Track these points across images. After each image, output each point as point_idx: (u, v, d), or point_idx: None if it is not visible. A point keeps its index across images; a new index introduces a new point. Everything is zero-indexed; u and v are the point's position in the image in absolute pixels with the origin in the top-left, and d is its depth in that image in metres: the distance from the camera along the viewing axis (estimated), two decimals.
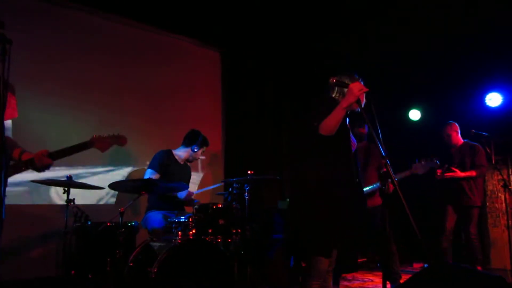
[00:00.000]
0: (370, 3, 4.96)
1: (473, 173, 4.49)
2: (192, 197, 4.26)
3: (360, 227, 2.45)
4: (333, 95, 2.64)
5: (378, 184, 4.17)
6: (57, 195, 4.36)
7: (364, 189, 4.14)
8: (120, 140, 2.70)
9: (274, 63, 6.05)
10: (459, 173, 4.48)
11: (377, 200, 4.30)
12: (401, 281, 4.01)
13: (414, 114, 6.27)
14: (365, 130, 4.47)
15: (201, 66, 5.90)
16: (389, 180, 2.31)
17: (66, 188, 3.58)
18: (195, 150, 4.22)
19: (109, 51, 4.99)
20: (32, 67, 4.27)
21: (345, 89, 2.51)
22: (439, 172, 4.45)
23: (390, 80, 6.08)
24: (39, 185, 4.13)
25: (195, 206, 3.60)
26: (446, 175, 4.43)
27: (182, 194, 4.14)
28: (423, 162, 4.10)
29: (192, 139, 4.27)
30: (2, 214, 1.81)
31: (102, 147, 2.58)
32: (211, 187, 4.86)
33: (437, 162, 4.15)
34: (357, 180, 2.56)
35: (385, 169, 2.34)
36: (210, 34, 5.67)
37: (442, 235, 4.56)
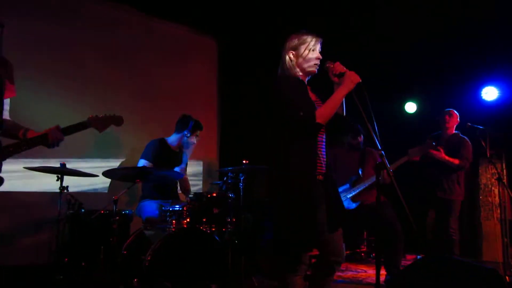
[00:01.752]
0: None
1: (456, 161, 4.42)
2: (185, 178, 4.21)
3: (317, 224, 2.37)
4: (286, 71, 2.48)
5: (374, 178, 4.18)
6: (50, 183, 4.33)
7: (363, 185, 4.25)
8: (117, 120, 2.69)
9: (270, 50, 5.99)
10: (443, 155, 4.41)
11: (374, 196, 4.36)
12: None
13: (410, 107, 6.28)
14: (360, 139, 4.52)
15: (197, 54, 5.85)
16: (385, 171, 2.30)
17: (59, 176, 3.56)
18: (187, 135, 4.14)
19: (105, 38, 4.93)
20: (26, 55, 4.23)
21: (293, 60, 2.46)
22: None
23: (386, 72, 6.07)
24: (33, 172, 4.11)
25: (190, 195, 3.59)
26: (431, 151, 4.37)
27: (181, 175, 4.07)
28: (418, 147, 4.11)
29: (183, 124, 4.19)
30: None
31: (99, 127, 2.59)
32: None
33: (433, 143, 4.18)
34: (323, 170, 2.44)
35: (380, 160, 2.33)
36: (206, 22, 5.63)
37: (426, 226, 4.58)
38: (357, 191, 4.27)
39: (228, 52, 5.97)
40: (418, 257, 5.55)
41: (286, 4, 5.29)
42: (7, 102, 2.39)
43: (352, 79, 2.35)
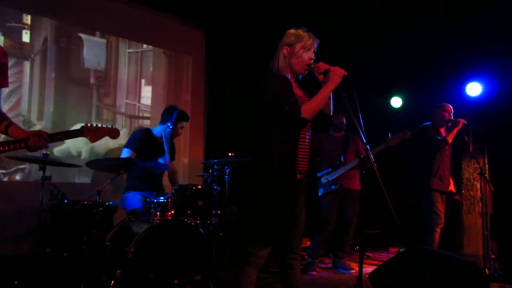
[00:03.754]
0: None
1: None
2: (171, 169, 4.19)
3: (294, 219, 2.38)
4: (278, 66, 2.48)
5: (353, 163, 4.54)
6: (32, 172, 4.27)
7: (344, 168, 4.56)
8: (112, 133, 2.60)
9: (258, 43, 5.98)
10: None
11: (356, 184, 4.72)
12: (373, 263, 4.13)
13: (396, 102, 6.33)
14: (343, 120, 4.78)
15: (185, 45, 5.82)
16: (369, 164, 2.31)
17: (42, 166, 3.50)
18: (170, 127, 4.09)
19: (92, 27, 4.88)
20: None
21: (287, 56, 2.46)
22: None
23: (372, 67, 6.09)
24: (14, 161, 4.05)
25: (175, 187, 3.56)
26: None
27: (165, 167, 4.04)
28: (395, 135, 4.36)
29: (167, 115, 4.14)
30: None
31: (91, 137, 2.49)
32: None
33: (409, 133, 4.37)
34: (306, 167, 2.44)
35: (364, 154, 2.36)
36: (194, 13, 5.57)
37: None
38: (338, 174, 4.58)
39: (216, 44, 5.93)
40: (401, 250, 5.63)
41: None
42: (0, 92, 2.31)
43: (337, 73, 2.35)
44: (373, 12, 5.36)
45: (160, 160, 3.94)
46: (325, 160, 4.70)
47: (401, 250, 5.64)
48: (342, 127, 4.79)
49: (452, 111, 4.69)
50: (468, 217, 5.68)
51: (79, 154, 4.73)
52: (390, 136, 4.37)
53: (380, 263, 4.07)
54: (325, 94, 2.37)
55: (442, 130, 4.69)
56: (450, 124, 4.66)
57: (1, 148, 2.15)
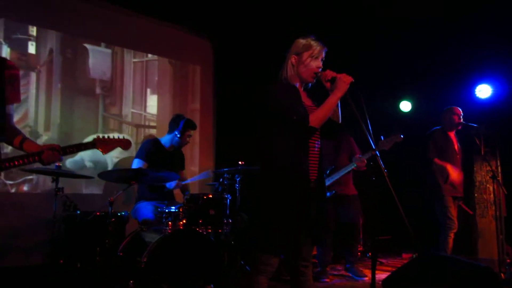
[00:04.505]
0: None
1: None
2: (181, 185, 4.21)
3: (308, 227, 2.37)
4: (286, 75, 2.49)
5: (350, 166, 4.33)
6: (46, 184, 4.32)
7: (339, 174, 4.38)
8: (124, 144, 2.62)
9: (265, 52, 6.01)
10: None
11: (351, 189, 4.56)
12: (386, 270, 4.09)
13: (405, 106, 6.29)
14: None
15: (193, 55, 5.87)
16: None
17: (55, 177, 3.54)
18: (178, 135, 4.12)
19: (100, 38, 4.95)
20: None
21: (295, 65, 2.46)
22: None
23: (380, 71, 6.08)
24: (22, 172, 4.11)
25: (186, 197, 3.57)
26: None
27: (171, 185, 4.09)
28: (387, 138, 4.16)
29: (175, 124, 4.16)
30: None
31: (104, 149, 2.51)
32: (198, 177, 4.80)
33: (401, 136, 4.17)
34: (315, 176, 2.45)
35: (360, 157, 2.35)
36: (201, 23, 5.62)
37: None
38: (332, 180, 4.39)
39: (223, 53, 5.96)
40: (414, 255, 5.57)
41: (280, 5, 5.29)
42: (11, 108, 2.34)
43: (344, 80, 2.36)
44: (381, 15, 5.34)
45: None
46: None
47: (414, 255, 5.58)
48: None
49: (462, 114, 4.66)
50: (482, 221, 5.61)
51: (87, 165, 4.77)
52: (382, 139, 4.18)
53: (394, 269, 4.05)
54: (333, 101, 2.37)
55: (452, 134, 4.66)
56: (460, 127, 4.63)
57: (17, 162, 2.18)
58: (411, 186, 4.98)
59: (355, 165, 4.28)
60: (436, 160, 4.50)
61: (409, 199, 4.59)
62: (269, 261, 2.35)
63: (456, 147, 4.64)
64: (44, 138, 4.49)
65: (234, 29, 5.76)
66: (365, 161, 4.24)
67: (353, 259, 4.63)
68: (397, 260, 5.70)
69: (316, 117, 2.34)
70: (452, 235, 4.41)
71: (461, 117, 4.64)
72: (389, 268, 5.05)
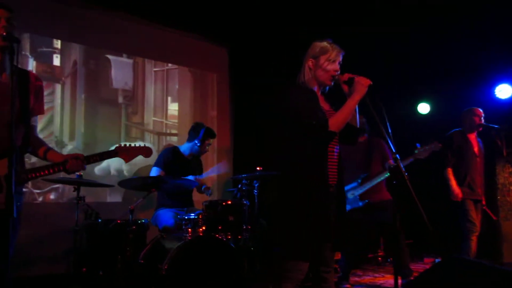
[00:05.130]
0: None
1: None
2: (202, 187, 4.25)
3: (328, 232, 2.35)
4: (304, 79, 2.49)
5: (384, 175, 4.16)
6: (71, 192, 4.39)
7: (372, 182, 4.19)
8: (145, 152, 2.65)
9: (281, 57, 6.03)
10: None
11: (385, 194, 4.30)
12: (412, 277, 4.00)
13: (423, 108, 6.21)
14: (363, 120, 4.30)
15: (210, 62, 5.92)
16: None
17: (76, 186, 3.60)
18: (198, 144, 4.16)
19: (121, 49, 5.05)
20: None
21: (312, 69, 2.46)
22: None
23: (398, 73, 6.02)
24: (51, 185, 4.20)
25: (205, 203, 3.59)
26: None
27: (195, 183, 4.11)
28: (425, 147, 4.06)
29: (195, 133, 4.22)
30: (13, 213, 1.81)
31: (125, 157, 2.55)
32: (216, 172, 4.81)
33: (440, 144, 4.09)
34: (335, 181, 2.44)
35: (395, 164, 2.33)
36: (217, 30, 5.67)
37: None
38: (366, 188, 4.23)
39: (239, 60, 6.00)
40: (437, 260, 5.48)
41: (297, 11, 5.30)
42: (35, 119, 2.39)
43: (362, 83, 2.34)
44: (398, 16, 5.30)
45: (190, 177, 4.01)
46: (349, 171, 4.11)
47: (436, 260, 5.49)
48: (363, 128, 4.34)
49: (483, 115, 4.58)
50: (506, 224, 5.49)
51: (110, 173, 4.84)
52: (418, 146, 4.09)
53: (416, 274, 3.99)
54: (352, 105, 2.36)
55: (473, 136, 4.57)
56: (481, 129, 4.55)
57: (42, 173, 2.23)
58: (432, 190, 4.91)
59: (389, 174, 4.08)
60: (448, 170, 4.46)
61: (430, 202, 4.52)
62: (298, 267, 2.34)
63: (476, 149, 4.55)
64: (69, 148, 4.59)
65: (249, 36, 5.78)
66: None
67: (407, 271, 4.07)
68: (419, 265, 5.61)
69: (336, 121, 2.33)
70: (474, 238, 4.32)
71: (482, 118, 4.55)
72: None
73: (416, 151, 4.08)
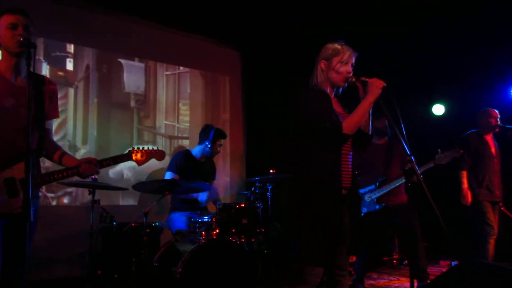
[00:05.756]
0: None
1: None
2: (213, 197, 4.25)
3: (341, 236, 2.33)
4: (316, 81, 2.48)
5: (402, 179, 4.08)
6: (84, 196, 4.43)
7: (390, 186, 4.13)
8: (158, 155, 2.67)
9: (293, 60, 6.02)
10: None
11: (403, 197, 4.22)
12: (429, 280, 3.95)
13: (438, 109, 6.14)
14: (385, 122, 4.31)
15: (222, 65, 5.94)
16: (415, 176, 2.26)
17: (91, 190, 3.64)
18: (209, 146, 4.17)
19: (133, 53, 5.09)
20: None
21: (325, 71, 2.44)
22: None
23: (412, 74, 5.97)
24: (64, 189, 4.25)
25: (218, 206, 3.60)
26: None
27: (203, 197, 4.12)
28: (446, 152, 4.02)
29: (205, 135, 4.23)
30: (30, 217, 1.83)
31: (138, 161, 2.57)
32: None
33: (461, 150, 4.06)
34: (349, 184, 2.42)
35: (410, 165, 2.30)
36: (229, 33, 5.68)
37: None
38: (383, 192, 4.16)
39: (252, 62, 6.01)
40: (453, 263, 5.41)
41: (309, 12, 5.30)
42: (50, 123, 2.41)
43: (376, 84, 2.32)
44: (412, 17, 5.25)
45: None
46: (368, 173, 4.22)
47: (453, 263, 5.41)
48: (385, 131, 4.31)
49: (499, 116, 4.51)
50: None
51: (124, 176, 4.87)
52: (439, 152, 4.03)
53: (432, 277, 3.94)
54: (365, 107, 2.34)
55: (489, 137, 4.51)
56: (497, 130, 4.49)
57: (56, 176, 2.25)
58: (448, 192, 4.85)
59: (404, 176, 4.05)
60: (463, 173, 4.42)
61: (447, 204, 4.47)
62: (312, 271, 2.33)
63: (493, 150, 4.50)
64: (82, 151, 4.63)
65: (261, 38, 5.79)
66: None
67: (424, 274, 3.96)
68: (435, 268, 5.54)
69: (349, 124, 2.31)
70: (492, 241, 4.25)
71: (498, 119, 4.50)
72: None
73: (436, 156, 4.03)
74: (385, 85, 2.33)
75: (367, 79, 2.38)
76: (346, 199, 2.40)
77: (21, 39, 2.09)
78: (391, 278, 4.91)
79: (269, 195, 4.17)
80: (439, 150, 4.05)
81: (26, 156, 1.87)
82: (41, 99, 2.28)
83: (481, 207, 4.31)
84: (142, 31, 5.16)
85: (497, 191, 4.39)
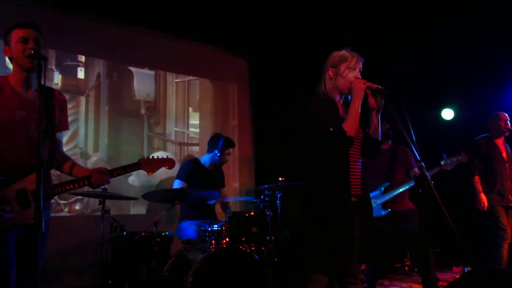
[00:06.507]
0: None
1: None
2: (222, 200, 4.24)
3: (351, 243, 2.32)
4: (324, 89, 2.50)
5: (408, 184, 4.06)
6: (95, 203, 4.46)
7: (395, 191, 4.08)
8: (168, 163, 2.67)
9: (302, 67, 6.04)
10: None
11: (408, 203, 4.17)
12: (439, 284, 3.90)
13: (447, 114, 6.09)
14: (388, 126, 4.24)
15: (230, 73, 5.97)
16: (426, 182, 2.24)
17: (101, 200, 3.65)
18: (218, 154, 4.18)
19: (143, 63, 5.13)
20: None
21: (333, 78, 2.46)
22: None
23: (421, 77, 5.93)
24: (76, 196, 4.27)
25: (228, 215, 3.60)
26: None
27: (212, 200, 4.11)
28: (452, 158, 3.97)
29: (214, 143, 4.24)
30: (42, 228, 1.85)
31: (148, 169, 2.57)
32: (241, 198, 4.85)
33: (467, 156, 4.00)
34: (359, 191, 2.42)
35: (418, 172, 2.30)
36: (236, 42, 5.72)
37: None
38: (388, 197, 4.11)
39: (259, 70, 6.03)
40: (466, 269, 5.35)
41: (316, 20, 5.31)
42: (61, 135, 2.43)
43: (357, 86, 2.35)
44: (422, 19, 5.24)
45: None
46: (372, 179, 4.09)
47: (466, 269, 5.35)
48: (388, 135, 4.23)
49: (509, 119, 4.48)
50: None
51: (133, 184, 4.90)
52: (444, 157, 3.99)
53: (445, 284, 3.88)
54: (353, 110, 2.35)
55: (500, 141, 4.47)
56: (508, 133, 4.45)
57: (67, 187, 2.27)
58: (460, 197, 4.80)
59: (414, 183, 4.02)
60: (476, 179, 4.39)
61: (458, 210, 4.42)
62: (317, 278, 2.32)
63: (504, 154, 4.46)
64: (93, 159, 4.68)
65: (269, 46, 5.81)
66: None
67: (435, 280, 3.90)
68: (447, 274, 5.47)
69: (347, 127, 2.32)
70: (506, 246, 4.20)
71: (509, 122, 4.46)
72: (440, 283, 4.85)
73: (442, 162, 3.99)
74: (366, 83, 2.35)
75: (381, 88, 2.39)
76: (356, 207, 2.39)
77: (32, 51, 2.12)
78: (403, 285, 4.86)
79: (278, 203, 4.15)
80: (444, 155, 4.01)
81: (37, 168, 1.89)
82: (51, 111, 2.30)
83: (494, 212, 4.28)
84: (152, 41, 5.21)
85: (510, 195, 4.34)
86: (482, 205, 4.32)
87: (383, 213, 4.10)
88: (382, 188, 4.15)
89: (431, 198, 2.24)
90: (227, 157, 4.30)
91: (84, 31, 4.71)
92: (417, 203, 4.20)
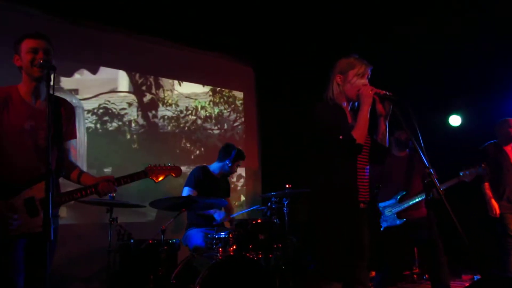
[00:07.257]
0: (405, 5, 4.89)
1: None
2: (229, 218, 4.25)
3: (362, 250, 2.32)
4: (332, 95, 2.50)
5: (423, 195, 3.96)
6: (100, 214, 4.46)
7: (411, 201, 4.01)
8: (175, 171, 2.67)
9: (308, 75, 6.05)
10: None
11: (423, 210, 4.07)
12: None
13: (455, 120, 6.06)
14: (406, 135, 4.08)
15: (237, 81, 5.98)
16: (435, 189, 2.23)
17: (109, 208, 3.67)
18: (229, 165, 4.21)
19: (150, 72, 5.16)
20: None
21: (340, 84, 2.46)
22: None
23: (428, 84, 5.91)
24: (84, 204, 4.27)
25: (235, 222, 3.60)
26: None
27: (219, 216, 4.11)
28: (472, 169, 3.94)
29: (226, 153, 4.27)
30: (50, 236, 1.86)
31: (155, 177, 2.58)
32: (247, 210, 4.87)
33: (486, 167, 3.98)
34: (367, 197, 2.41)
35: (429, 179, 2.28)
36: (242, 50, 5.74)
37: None
38: (404, 206, 4.04)
39: (265, 78, 6.05)
40: (475, 277, 5.29)
41: (322, 28, 5.33)
42: (69, 143, 2.45)
43: (364, 93, 2.36)
44: (430, 26, 5.23)
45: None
46: (388, 187, 4.08)
47: (475, 277, 5.29)
48: (407, 143, 4.14)
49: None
50: None
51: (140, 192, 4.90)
52: (464, 169, 3.96)
53: None
54: (362, 117, 2.36)
55: (509, 148, 4.43)
56: None
57: (75, 195, 2.28)
58: (469, 204, 4.76)
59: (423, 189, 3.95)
60: (485, 185, 4.35)
61: (468, 217, 4.36)
62: (330, 286, 2.31)
63: None
64: (99, 169, 4.69)
65: (275, 54, 5.83)
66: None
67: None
68: (457, 282, 5.41)
69: (356, 134, 2.33)
70: None
71: None
72: None
73: (461, 173, 3.96)
74: (374, 89, 2.36)
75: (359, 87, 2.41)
76: (365, 213, 2.39)
77: (41, 61, 2.15)
78: None
79: (285, 210, 4.14)
80: (463, 167, 3.98)
81: (46, 176, 1.90)
82: (60, 120, 2.32)
83: (503, 220, 4.24)
84: (157, 49, 5.23)
85: None
86: (494, 211, 4.27)
87: (398, 222, 4.03)
88: (398, 197, 4.08)
89: (440, 205, 2.23)
90: (236, 168, 4.34)
91: (92, 41, 4.74)
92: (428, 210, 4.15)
